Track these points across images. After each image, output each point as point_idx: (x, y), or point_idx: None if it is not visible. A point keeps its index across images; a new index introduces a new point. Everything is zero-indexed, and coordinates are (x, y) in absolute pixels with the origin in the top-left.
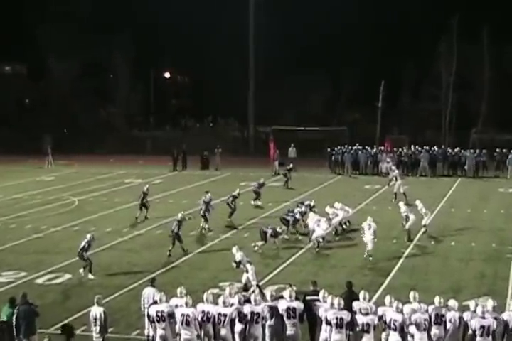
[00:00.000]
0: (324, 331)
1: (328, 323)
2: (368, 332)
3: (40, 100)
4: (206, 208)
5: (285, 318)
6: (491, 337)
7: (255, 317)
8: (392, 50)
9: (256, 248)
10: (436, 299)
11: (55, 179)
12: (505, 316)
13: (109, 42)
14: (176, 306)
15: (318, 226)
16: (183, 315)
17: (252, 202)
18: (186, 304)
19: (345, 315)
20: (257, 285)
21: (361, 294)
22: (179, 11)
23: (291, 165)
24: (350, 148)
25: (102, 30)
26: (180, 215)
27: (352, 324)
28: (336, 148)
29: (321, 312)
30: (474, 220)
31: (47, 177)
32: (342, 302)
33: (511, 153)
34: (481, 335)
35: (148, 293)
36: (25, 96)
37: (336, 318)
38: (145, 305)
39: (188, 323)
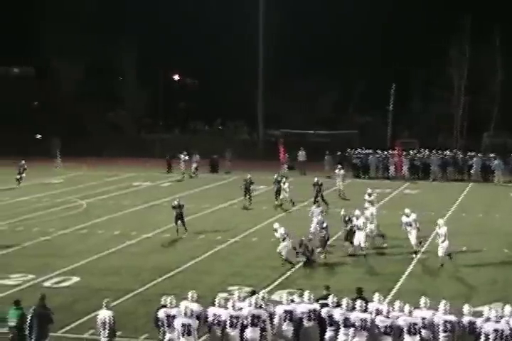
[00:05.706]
0: (343, 334)
1: (349, 326)
2: (389, 334)
3: (47, 102)
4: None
5: (305, 321)
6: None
7: (255, 321)
8: (403, 52)
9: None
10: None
11: (63, 181)
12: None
13: (117, 43)
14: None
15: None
16: (184, 325)
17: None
18: (185, 314)
19: (369, 317)
20: None
21: (376, 296)
22: (189, 11)
23: None
24: (354, 151)
25: (110, 31)
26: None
27: (374, 326)
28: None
29: (338, 316)
30: (486, 225)
31: (55, 179)
32: (364, 304)
33: (497, 159)
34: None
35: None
36: (33, 98)
37: (361, 320)
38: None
39: (189, 333)
